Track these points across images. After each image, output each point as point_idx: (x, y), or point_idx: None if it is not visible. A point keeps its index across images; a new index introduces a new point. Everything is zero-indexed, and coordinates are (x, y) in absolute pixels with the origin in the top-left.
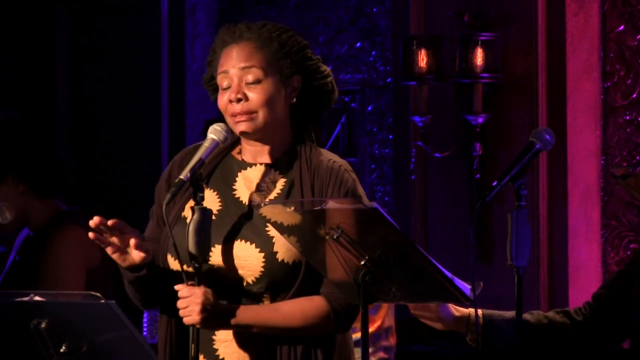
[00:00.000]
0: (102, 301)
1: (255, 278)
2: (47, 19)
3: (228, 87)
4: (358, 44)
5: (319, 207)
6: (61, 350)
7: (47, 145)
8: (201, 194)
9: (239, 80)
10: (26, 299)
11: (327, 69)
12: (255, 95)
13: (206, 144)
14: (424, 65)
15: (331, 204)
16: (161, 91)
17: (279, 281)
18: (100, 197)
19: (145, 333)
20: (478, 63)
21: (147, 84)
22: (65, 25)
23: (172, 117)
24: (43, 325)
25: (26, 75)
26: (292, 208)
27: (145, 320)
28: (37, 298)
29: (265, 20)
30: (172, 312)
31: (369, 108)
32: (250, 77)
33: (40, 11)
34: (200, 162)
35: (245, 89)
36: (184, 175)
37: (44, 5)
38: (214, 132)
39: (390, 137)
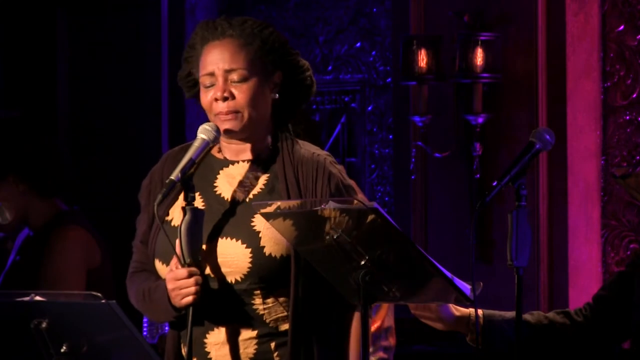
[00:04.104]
0: (103, 301)
1: (244, 274)
2: (47, 18)
3: (212, 85)
4: (358, 44)
5: (319, 208)
6: (61, 350)
7: (48, 144)
8: (192, 194)
9: (224, 79)
10: (27, 298)
11: (305, 63)
12: (241, 94)
13: (196, 143)
14: (424, 65)
15: (331, 204)
16: (161, 91)
17: (268, 276)
18: (99, 197)
19: (145, 333)
20: (478, 63)
21: (147, 84)
22: (65, 25)
23: (172, 117)
24: (43, 325)
25: (26, 75)
26: (292, 208)
27: (145, 320)
28: (37, 298)
29: (266, 20)
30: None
31: (369, 108)
32: (235, 77)
33: (40, 11)
34: (191, 162)
35: (231, 87)
36: (175, 175)
37: (44, 4)
38: (204, 132)
39: (390, 137)
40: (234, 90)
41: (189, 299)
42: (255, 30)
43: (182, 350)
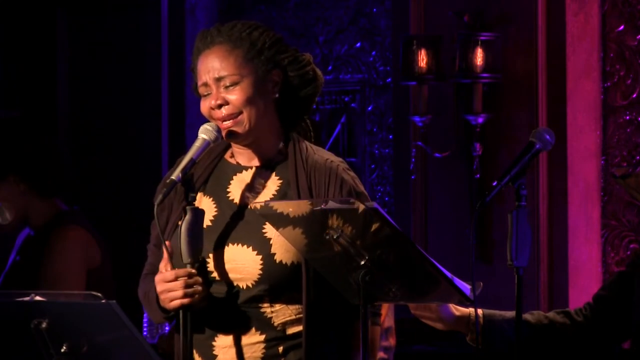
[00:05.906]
0: (103, 301)
1: (254, 281)
2: (47, 18)
3: (208, 94)
4: (358, 44)
5: (319, 208)
6: (62, 350)
7: (48, 144)
8: (193, 194)
9: (217, 87)
10: (27, 298)
11: (306, 57)
12: (234, 97)
13: (197, 143)
14: (424, 65)
15: (331, 204)
16: (161, 91)
17: (278, 283)
18: (99, 197)
19: (145, 333)
20: (478, 63)
21: (147, 84)
22: (65, 25)
23: (172, 117)
24: (44, 325)
25: (26, 75)
26: (294, 208)
27: (145, 320)
28: (37, 298)
29: (266, 20)
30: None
31: (369, 108)
32: (227, 82)
33: (40, 11)
34: (192, 162)
35: (224, 93)
36: (175, 175)
37: (44, 4)
38: (205, 132)
39: (390, 137)
40: (227, 96)
41: (176, 302)
42: (244, 33)
43: (194, 354)
